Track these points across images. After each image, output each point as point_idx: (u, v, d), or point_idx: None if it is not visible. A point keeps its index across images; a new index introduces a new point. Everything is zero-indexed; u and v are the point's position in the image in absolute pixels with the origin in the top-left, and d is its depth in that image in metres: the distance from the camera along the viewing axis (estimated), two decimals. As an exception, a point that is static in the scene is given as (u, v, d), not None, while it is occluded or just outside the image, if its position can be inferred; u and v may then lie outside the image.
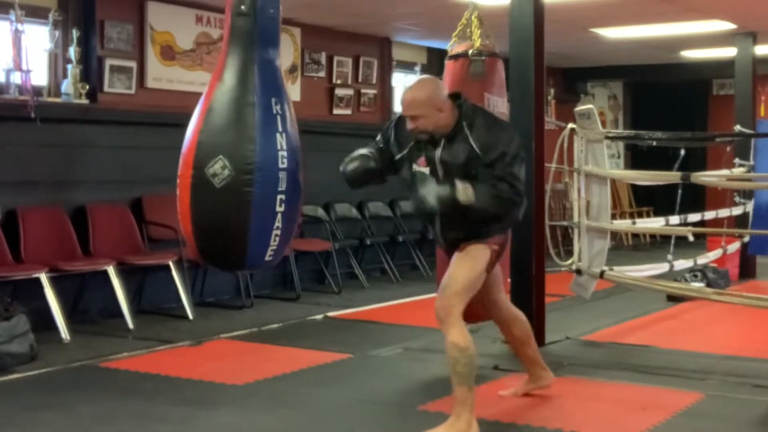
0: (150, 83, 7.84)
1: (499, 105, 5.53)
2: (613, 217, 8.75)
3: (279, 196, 4.43)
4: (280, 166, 4.42)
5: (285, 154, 4.42)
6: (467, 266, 4.20)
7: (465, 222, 4.20)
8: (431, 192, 4.09)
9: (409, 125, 4.22)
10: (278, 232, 4.47)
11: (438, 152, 4.21)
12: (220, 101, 4.48)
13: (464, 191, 4.03)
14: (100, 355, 5.84)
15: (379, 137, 4.47)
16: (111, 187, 7.36)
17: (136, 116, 7.58)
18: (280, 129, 4.43)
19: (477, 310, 5.40)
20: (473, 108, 4.30)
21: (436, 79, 4.42)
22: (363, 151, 4.39)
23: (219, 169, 4.39)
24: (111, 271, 6.76)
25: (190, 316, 7.13)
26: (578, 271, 6.58)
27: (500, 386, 5.06)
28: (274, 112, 4.43)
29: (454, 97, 4.29)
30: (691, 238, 6.64)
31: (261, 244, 4.48)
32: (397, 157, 4.34)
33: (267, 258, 4.55)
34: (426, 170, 4.21)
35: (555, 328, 6.29)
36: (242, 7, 4.51)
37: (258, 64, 4.51)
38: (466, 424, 4.10)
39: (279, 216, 4.44)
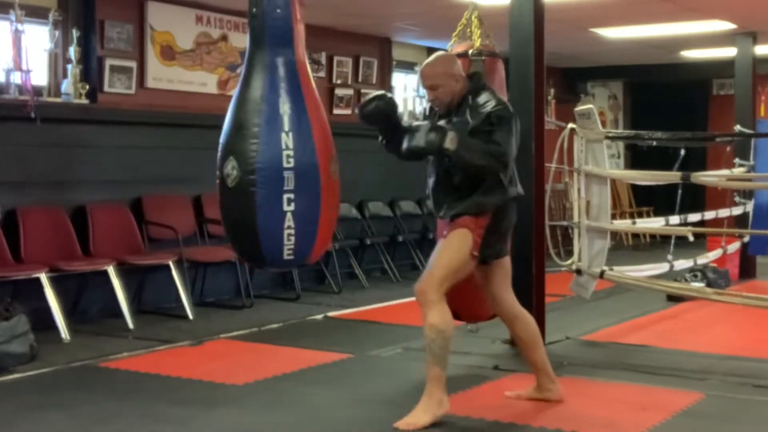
0: (150, 83, 7.84)
1: (499, 105, 5.52)
2: (613, 217, 8.74)
3: (286, 195, 4.41)
4: (285, 165, 4.41)
5: (291, 153, 4.41)
6: (449, 251, 4.35)
7: (454, 186, 4.41)
8: (422, 134, 4.28)
9: (429, 96, 4.53)
10: (291, 231, 4.45)
11: (443, 122, 4.44)
12: (233, 104, 4.58)
13: (452, 139, 4.23)
14: (100, 355, 5.84)
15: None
16: (111, 187, 7.36)
17: (136, 116, 7.58)
18: (286, 129, 4.42)
19: (476, 310, 5.41)
20: (481, 85, 4.51)
21: (452, 55, 4.73)
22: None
23: (230, 169, 4.45)
24: (111, 271, 6.76)
25: (190, 316, 7.13)
26: (578, 271, 6.58)
27: (500, 386, 5.05)
28: (281, 112, 4.43)
29: (471, 76, 4.56)
30: (691, 238, 6.63)
31: (273, 243, 4.48)
32: None
33: (286, 257, 4.52)
34: (425, 123, 4.39)
35: (555, 328, 6.29)
36: (254, 9, 4.55)
37: (267, 64, 4.51)
38: (438, 402, 4.26)
39: (288, 215, 4.43)
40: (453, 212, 4.41)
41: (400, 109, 7.60)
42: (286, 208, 4.42)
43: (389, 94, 4.58)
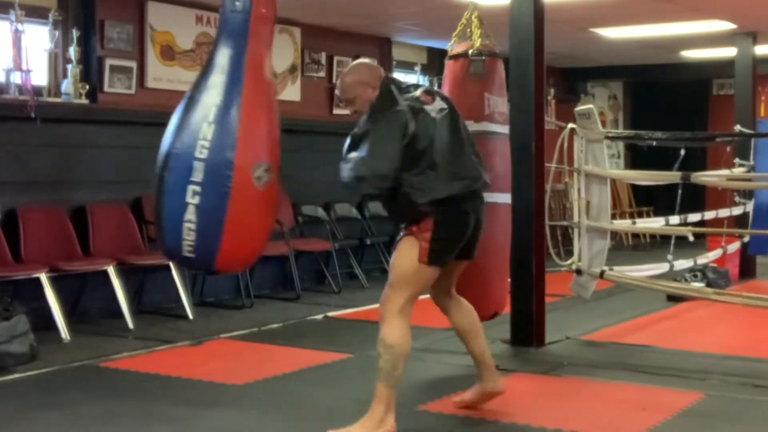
0: (150, 83, 7.84)
1: (499, 105, 5.52)
2: (613, 217, 8.75)
3: (191, 187, 4.25)
4: (197, 155, 4.25)
5: (207, 144, 4.26)
6: (398, 262, 4.18)
7: (386, 208, 4.31)
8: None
9: (349, 110, 4.30)
10: (191, 225, 4.26)
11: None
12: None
13: (342, 170, 4.13)
14: (100, 355, 5.84)
15: None
16: (111, 187, 7.36)
17: (136, 116, 7.57)
18: (210, 120, 4.28)
19: (476, 310, 5.40)
20: (382, 93, 4.22)
21: (367, 62, 4.46)
22: None
23: (160, 153, 4.40)
24: (111, 271, 6.76)
25: (190, 316, 7.13)
26: (578, 271, 6.58)
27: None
28: (209, 102, 4.32)
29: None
30: (691, 238, 6.63)
31: (173, 234, 4.32)
32: None
33: (186, 253, 4.33)
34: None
35: (555, 328, 6.29)
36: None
37: (215, 56, 4.45)
38: (378, 421, 4.09)
39: (191, 208, 4.25)
40: (399, 223, 4.29)
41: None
42: (189, 199, 4.26)
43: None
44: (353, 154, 4.08)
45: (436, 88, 5.70)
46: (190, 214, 4.27)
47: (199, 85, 4.46)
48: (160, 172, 4.35)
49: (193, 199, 4.27)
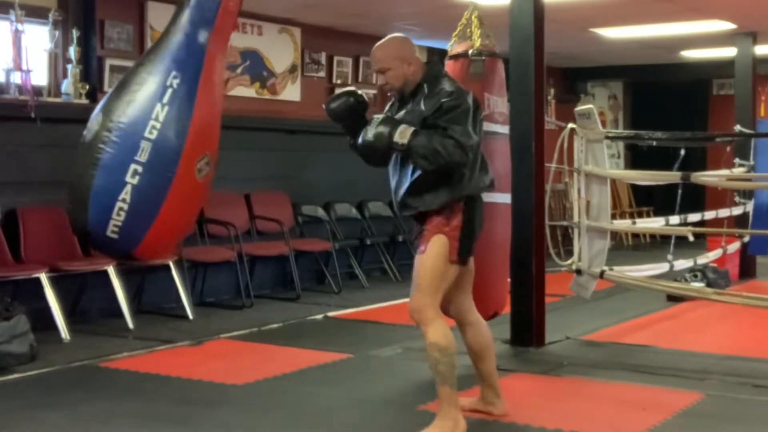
0: (150, 83, 7.83)
1: (499, 105, 5.52)
2: (613, 217, 8.75)
3: (133, 166, 4.15)
4: (146, 135, 4.16)
5: (158, 126, 4.18)
6: (429, 262, 4.10)
7: (415, 183, 4.12)
8: (372, 127, 4.05)
9: (380, 80, 4.23)
10: (124, 205, 4.16)
11: (401, 113, 4.18)
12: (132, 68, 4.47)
13: (402, 132, 3.99)
14: (100, 355, 5.84)
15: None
16: (111, 187, 7.35)
17: (136, 116, 7.57)
18: (164, 101, 4.21)
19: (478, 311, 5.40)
20: (438, 73, 4.24)
21: (405, 37, 4.39)
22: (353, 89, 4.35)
23: (94, 124, 4.26)
24: (111, 271, 6.76)
25: (190, 316, 7.13)
26: (578, 271, 6.58)
27: (500, 386, 5.05)
28: (167, 83, 4.24)
29: (427, 63, 4.30)
30: (691, 238, 6.63)
31: (101, 212, 4.20)
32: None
33: (110, 233, 4.21)
34: (381, 116, 4.14)
35: (555, 328, 6.29)
36: None
37: (175, 37, 4.38)
38: (453, 422, 4.05)
39: (128, 187, 4.15)
40: (417, 210, 4.18)
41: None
42: (128, 178, 4.16)
43: (359, 91, 4.30)
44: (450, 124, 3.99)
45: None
46: (126, 194, 4.15)
47: (152, 62, 4.35)
48: (95, 143, 4.17)
49: (132, 179, 4.16)
